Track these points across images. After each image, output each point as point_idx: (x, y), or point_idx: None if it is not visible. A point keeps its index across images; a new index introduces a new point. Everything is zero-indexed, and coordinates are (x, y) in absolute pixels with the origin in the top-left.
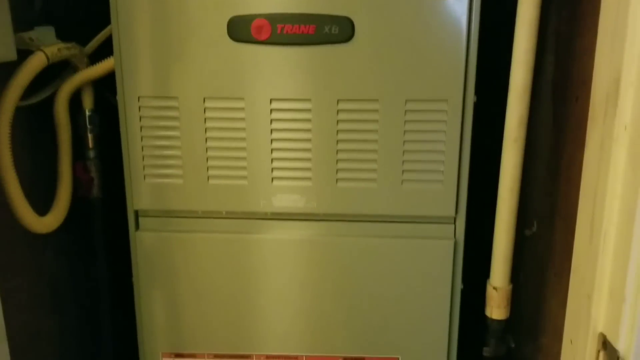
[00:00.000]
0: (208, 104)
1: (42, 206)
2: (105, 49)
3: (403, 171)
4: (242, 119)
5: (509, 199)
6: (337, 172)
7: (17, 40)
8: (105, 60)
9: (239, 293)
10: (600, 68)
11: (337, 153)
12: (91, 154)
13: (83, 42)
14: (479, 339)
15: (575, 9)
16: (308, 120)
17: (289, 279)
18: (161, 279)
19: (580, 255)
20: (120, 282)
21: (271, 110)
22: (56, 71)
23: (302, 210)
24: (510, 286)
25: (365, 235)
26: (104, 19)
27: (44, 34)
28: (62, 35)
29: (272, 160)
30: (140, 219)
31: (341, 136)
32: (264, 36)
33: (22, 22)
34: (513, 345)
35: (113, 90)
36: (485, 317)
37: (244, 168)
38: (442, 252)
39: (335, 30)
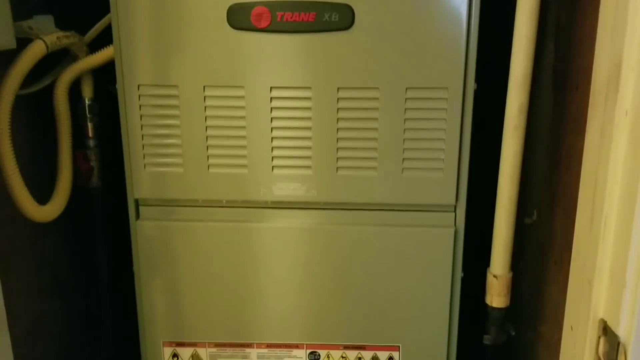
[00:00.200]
0: (208, 92)
1: (42, 195)
2: (105, 38)
3: (403, 159)
4: (242, 108)
5: (509, 187)
6: (337, 161)
7: (16, 28)
8: (105, 48)
9: (240, 282)
10: (601, 54)
11: (337, 141)
12: (91, 143)
13: (82, 31)
14: (479, 327)
15: None
16: (308, 108)
17: (290, 268)
18: (162, 267)
19: (581, 241)
20: (120, 271)
21: (271, 99)
22: (55, 60)
23: (302, 198)
24: (511, 274)
25: (366, 224)
26: (103, 7)
27: (43, 22)
28: (61, 24)
29: (272, 148)
30: (141, 208)
31: (341, 124)
32: (263, 24)
33: (21, 10)
34: (513, 333)
35: (113, 79)
36: (485, 305)
37: (244, 156)
38: (442, 240)
39: (336, 18)
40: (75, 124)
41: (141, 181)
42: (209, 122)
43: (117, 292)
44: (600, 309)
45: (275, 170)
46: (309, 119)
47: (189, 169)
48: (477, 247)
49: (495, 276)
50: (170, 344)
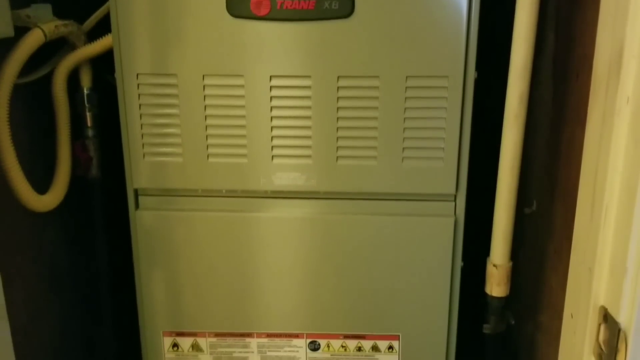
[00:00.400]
0: (207, 81)
1: (41, 185)
2: (103, 27)
3: (403, 148)
4: (242, 97)
5: (509, 176)
6: (337, 150)
7: (14, 17)
8: (103, 37)
9: (240, 271)
10: (602, 41)
11: (337, 130)
12: (90, 132)
13: (80, 20)
14: (479, 316)
15: None
16: (308, 97)
17: (289, 257)
18: (161, 257)
19: (582, 229)
20: (120, 261)
21: (271, 88)
22: (54, 49)
23: (302, 188)
24: (510, 264)
25: (366, 213)
26: None
27: (41, 11)
28: (59, 13)
29: (272, 138)
30: (140, 198)
31: (341, 113)
32: (263, 11)
33: None
34: (513, 322)
35: (111, 69)
36: (485, 294)
37: (243, 146)
38: (442, 229)
39: (335, 6)
40: (74, 113)
41: (140, 171)
42: (209, 112)
43: (116, 282)
44: (600, 296)
45: (275, 160)
46: (308, 108)
47: (188, 158)
48: (477, 237)
49: (495, 265)
50: (170, 334)
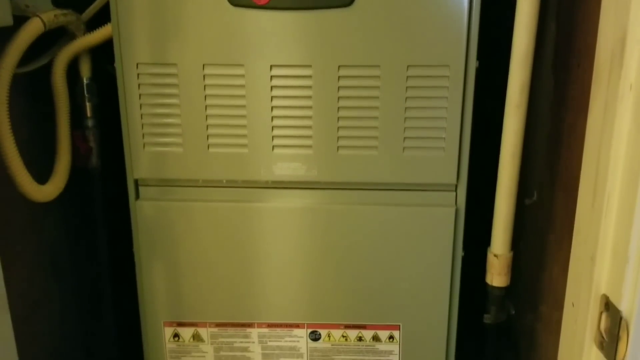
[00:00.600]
0: (207, 70)
1: (41, 176)
2: (103, 16)
3: (404, 138)
4: (242, 86)
5: (510, 166)
6: (338, 140)
7: (12, 6)
8: (103, 27)
9: (240, 262)
10: (605, 28)
11: (338, 120)
12: (89, 123)
13: (80, 9)
14: (479, 306)
15: None
16: (309, 87)
17: (290, 248)
18: (162, 248)
19: (583, 218)
20: (120, 251)
21: (271, 77)
22: (53, 39)
23: (302, 178)
24: (511, 254)
25: (366, 203)
26: None
27: (40, 0)
28: (58, 2)
29: (272, 128)
30: (140, 188)
31: (342, 103)
32: (263, 0)
33: None
34: (513, 312)
35: (111, 59)
36: (485, 284)
37: (244, 136)
38: (443, 219)
39: None
40: (73, 104)
41: (141, 161)
42: (209, 101)
43: (117, 272)
44: (602, 284)
45: (276, 150)
46: (309, 97)
47: (188, 148)
48: (478, 227)
49: (495, 255)
50: (171, 324)
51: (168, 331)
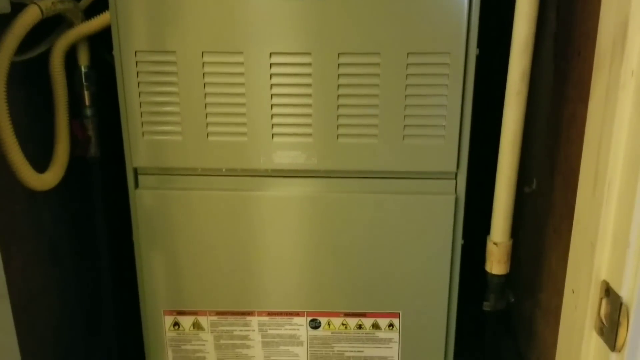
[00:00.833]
0: (206, 58)
1: (39, 165)
2: (101, 4)
3: (404, 126)
4: (242, 74)
5: (510, 154)
6: (337, 128)
7: None
8: (101, 14)
9: (240, 250)
10: (606, 14)
11: (337, 108)
12: (88, 111)
13: None
14: (479, 294)
15: None
16: (308, 74)
17: (290, 236)
18: (161, 236)
19: (584, 204)
20: (120, 240)
21: (271, 65)
22: (51, 27)
23: (302, 166)
24: (511, 242)
25: (366, 192)
26: None
27: None
28: None
29: (272, 116)
30: (140, 177)
31: (342, 91)
32: None
33: None
34: (513, 300)
35: (109, 47)
36: (485, 272)
37: (243, 124)
38: (443, 207)
39: None
40: (71, 92)
41: (140, 150)
42: (208, 89)
43: (116, 261)
44: (602, 270)
45: (275, 138)
46: (309, 85)
47: (187, 137)
48: (477, 215)
49: (495, 243)
50: (171, 312)
51: (168, 320)
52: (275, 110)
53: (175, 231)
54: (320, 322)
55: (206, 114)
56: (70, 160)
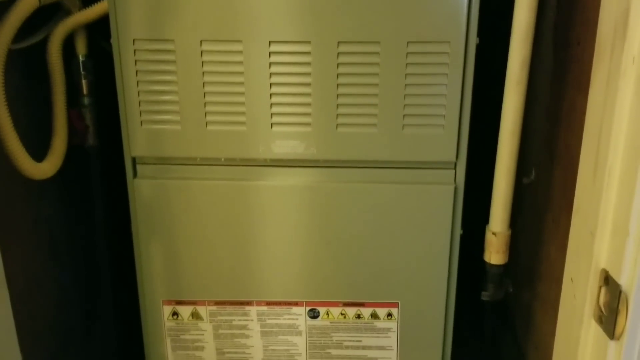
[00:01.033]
0: (205, 47)
1: (37, 154)
2: None
3: (404, 115)
4: (240, 63)
5: (509, 143)
6: (337, 117)
7: None
8: (99, 2)
9: (239, 240)
10: (608, 1)
11: (337, 97)
12: (86, 101)
13: None
14: (477, 284)
15: None
16: (308, 63)
17: (289, 226)
18: (160, 226)
19: (583, 192)
20: (119, 230)
21: (270, 54)
22: (48, 15)
23: (301, 156)
24: (509, 232)
25: (365, 181)
26: None
27: None
28: None
29: (271, 105)
30: (138, 167)
31: (341, 80)
32: None
33: None
34: (511, 290)
35: (107, 36)
36: (484, 262)
37: (242, 113)
38: (442, 197)
39: None
40: (69, 82)
41: (138, 139)
42: (207, 78)
43: (115, 251)
44: (602, 259)
45: (275, 128)
46: (308, 74)
47: (186, 126)
48: (476, 205)
49: (494, 233)
50: (169, 302)
51: (167, 309)
52: (275, 99)
53: (174, 221)
54: (319, 312)
55: (205, 103)
56: (68, 149)
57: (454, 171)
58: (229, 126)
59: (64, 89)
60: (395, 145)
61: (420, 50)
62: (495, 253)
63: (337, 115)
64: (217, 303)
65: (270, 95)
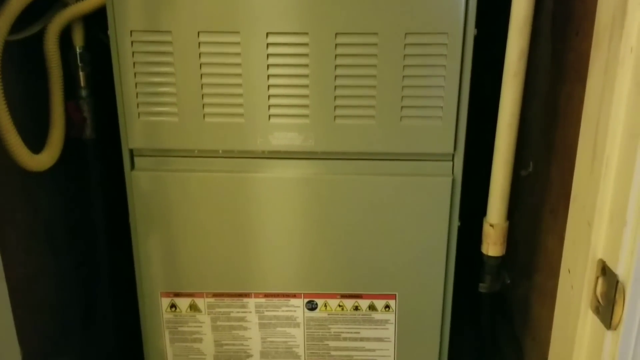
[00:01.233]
0: (202, 38)
1: (34, 146)
2: None
3: (402, 107)
4: (238, 54)
5: (507, 135)
6: (335, 109)
7: None
8: None
9: (237, 232)
10: None
11: (335, 89)
12: (83, 92)
13: None
14: (475, 276)
15: None
16: (305, 55)
17: (287, 218)
18: (158, 218)
19: (581, 183)
20: (116, 222)
21: (267, 45)
22: (45, 6)
23: (299, 148)
24: (507, 223)
25: (363, 173)
26: None
27: None
28: None
29: (269, 97)
30: (136, 159)
31: (339, 71)
32: None
33: None
34: (508, 282)
35: (104, 27)
36: (481, 254)
37: (240, 105)
38: (439, 189)
39: None
40: (66, 74)
41: (135, 131)
42: (204, 70)
43: (113, 243)
44: (599, 249)
45: (272, 120)
46: (306, 66)
47: (184, 118)
48: (474, 197)
49: (491, 225)
50: (167, 294)
51: (165, 302)
52: (272, 91)
53: (172, 213)
54: (316, 304)
55: (202, 95)
56: (65, 141)
57: (451, 163)
58: (226, 118)
59: (61, 81)
60: (393, 137)
61: (418, 42)
62: (492, 245)
63: (334, 107)
64: (215, 295)
65: (268, 87)
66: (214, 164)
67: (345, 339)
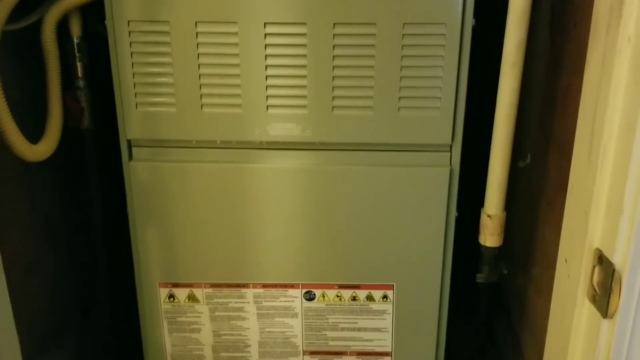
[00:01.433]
0: (200, 28)
1: (32, 136)
2: None
3: (400, 98)
4: (236, 44)
5: (505, 125)
6: (333, 100)
7: None
8: None
9: (235, 222)
10: None
11: (333, 79)
12: (81, 83)
13: None
14: (472, 266)
15: None
16: (303, 45)
17: (285, 208)
18: (156, 209)
19: (578, 172)
20: (114, 212)
21: (265, 35)
22: None
23: (297, 139)
24: (504, 214)
25: (361, 164)
26: None
27: None
28: None
29: (266, 87)
30: (134, 149)
31: (337, 62)
32: None
33: None
34: (506, 272)
35: (101, 18)
36: (479, 244)
37: (238, 96)
38: (437, 179)
39: None
40: (64, 64)
41: (133, 121)
42: (202, 60)
43: (111, 233)
44: (595, 238)
45: (270, 110)
46: (304, 56)
47: (182, 108)
48: (472, 188)
49: (489, 216)
50: (166, 285)
51: (163, 292)
52: (270, 81)
53: (170, 203)
54: (314, 294)
55: (200, 85)
56: (63, 132)
57: (449, 153)
58: (224, 108)
59: (58, 71)
60: (391, 127)
61: (416, 32)
62: (490, 235)
63: (332, 97)
64: (213, 285)
65: (266, 77)
66: (211, 155)
67: (343, 329)
